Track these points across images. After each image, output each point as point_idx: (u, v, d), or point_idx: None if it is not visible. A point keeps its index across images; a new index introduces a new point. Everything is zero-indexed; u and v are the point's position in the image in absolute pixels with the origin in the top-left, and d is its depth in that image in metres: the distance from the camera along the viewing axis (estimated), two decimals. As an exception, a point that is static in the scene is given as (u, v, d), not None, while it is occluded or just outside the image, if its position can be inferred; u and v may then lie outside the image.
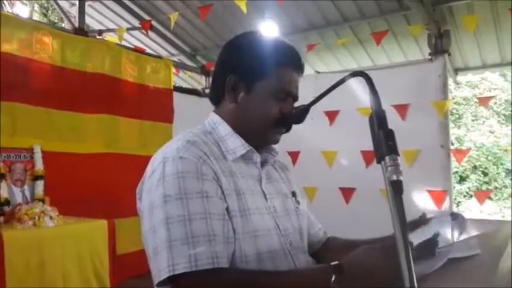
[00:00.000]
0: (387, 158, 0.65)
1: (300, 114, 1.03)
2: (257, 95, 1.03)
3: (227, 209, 0.93)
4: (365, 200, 3.95)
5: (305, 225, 1.14)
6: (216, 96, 1.09)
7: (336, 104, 4.14)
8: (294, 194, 1.16)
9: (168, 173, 0.91)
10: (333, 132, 4.34)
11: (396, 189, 0.62)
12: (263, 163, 1.10)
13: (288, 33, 4.92)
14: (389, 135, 0.70)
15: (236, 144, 1.03)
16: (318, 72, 4.97)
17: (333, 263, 0.82)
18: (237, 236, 0.93)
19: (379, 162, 0.67)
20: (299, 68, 1.07)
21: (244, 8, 3.74)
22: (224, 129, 1.05)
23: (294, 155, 4.39)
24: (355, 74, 0.82)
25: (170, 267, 0.84)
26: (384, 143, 0.68)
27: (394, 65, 5.01)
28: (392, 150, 0.67)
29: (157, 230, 0.88)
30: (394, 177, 0.63)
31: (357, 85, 4.32)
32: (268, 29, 4.66)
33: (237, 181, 0.98)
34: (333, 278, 0.80)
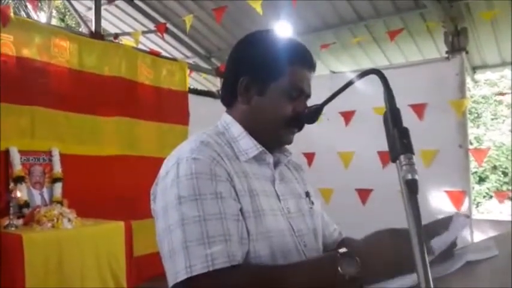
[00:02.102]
0: (402, 157, 0.64)
1: (313, 114, 1.01)
2: (270, 94, 1.02)
3: (241, 210, 0.93)
4: (382, 201, 3.90)
5: (319, 226, 1.13)
6: (228, 97, 1.08)
7: (352, 104, 4.11)
8: (307, 195, 1.15)
9: (182, 174, 0.91)
10: (349, 133, 4.30)
11: (411, 188, 0.61)
12: (276, 163, 1.09)
13: (302, 33, 4.90)
14: (404, 133, 0.68)
15: (249, 145, 1.03)
16: (333, 72, 4.94)
17: (340, 250, 0.82)
18: (251, 237, 0.92)
19: (393, 161, 0.65)
20: (311, 65, 1.06)
21: (259, 9, 3.74)
22: (237, 130, 1.05)
23: (310, 156, 4.37)
24: (368, 72, 0.81)
25: (188, 268, 0.84)
26: (398, 142, 0.66)
27: (410, 64, 4.95)
28: (408, 148, 0.65)
29: (172, 231, 0.88)
30: (409, 177, 0.61)
31: (372, 84, 4.28)
32: (283, 30, 4.64)
33: (250, 182, 0.98)
34: (340, 265, 0.79)
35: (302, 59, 1.04)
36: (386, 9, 4.67)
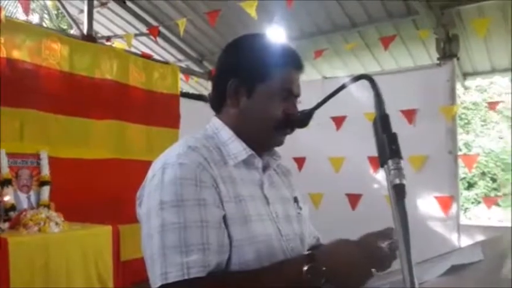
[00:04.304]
0: (390, 162, 0.65)
1: (304, 118, 1.02)
2: (260, 96, 1.02)
3: (225, 216, 0.92)
4: (372, 206, 3.92)
5: (306, 231, 1.13)
6: (218, 101, 1.08)
7: (343, 109, 4.13)
8: (296, 200, 1.15)
9: (167, 179, 0.91)
10: (340, 138, 4.32)
11: (399, 192, 0.61)
12: (265, 168, 1.09)
13: (296, 38, 4.92)
14: (393, 138, 0.69)
15: (238, 149, 1.03)
16: (326, 78, 4.97)
17: (305, 253, 0.86)
18: (236, 242, 0.92)
19: (382, 166, 0.66)
20: (299, 66, 1.07)
21: (253, 13, 3.74)
22: (226, 133, 1.04)
23: (300, 161, 4.37)
24: (359, 77, 0.82)
25: (163, 275, 0.85)
26: (387, 147, 0.67)
27: (402, 70, 4.99)
28: (396, 153, 0.66)
29: (153, 237, 0.88)
30: (397, 181, 0.62)
31: (363, 90, 4.31)
32: (276, 34, 4.66)
33: (237, 187, 0.98)
34: (305, 267, 0.82)
35: (290, 60, 1.05)
36: (379, 15, 4.71)
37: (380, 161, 0.66)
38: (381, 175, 4.14)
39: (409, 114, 4.04)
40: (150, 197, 0.92)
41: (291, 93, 1.04)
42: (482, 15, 4.23)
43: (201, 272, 0.84)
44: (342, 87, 0.87)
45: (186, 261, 0.84)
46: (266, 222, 1.00)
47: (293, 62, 1.06)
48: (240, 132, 1.04)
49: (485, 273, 0.88)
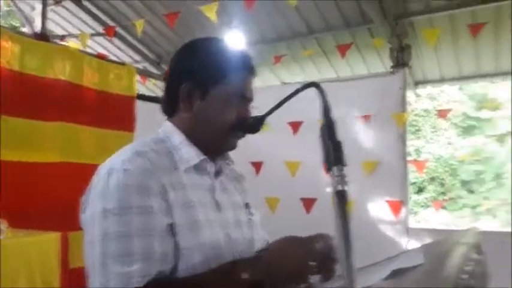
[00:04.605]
0: (334, 169, 0.67)
1: (256, 124, 1.02)
2: (212, 100, 1.02)
3: (172, 224, 0.91)
4: (326, 210, 3.99)
5: (257, 237, 1.13)
6: (170, 105, 1.06)
7: (300, 114, 4.20)
8: (247, 206, 1.16)
9: (111, 185, 0.88)
10: (297, 143, 4.38)
11: (341, 198, 0.64)
12: (218, 173, 1.08)
13: (255, 43, 4.96)
14: (338, 146, 0.71)
15: (190, 154, 1.01)
16: (284, 83, 5.03)
17: (244, 257, 0.88)
18: (185, 250, 0.91)
19: (327, 172, 0.68)
20: (253, 71, 1.07)
21: (213, 17, 3.74)
22: (178, 138, 1.03)
23: (257, 165, 4.40)
24: (308, 85, 0.84)
25: (103, 285, 0.83)
26: (332, 154, 0.69)
27: (356, 77, 5.14)
28: (340, 161, 0.68)
29: (94, 245, 0.86)
30: (340, 187, 0.64)
31: (319, 96, 4.40)
32: (236, 38, 4.68)
33: (187, 193, 0.97)
34: (247, 269, 0.83)
35: (244, 64, 1.06)
36: (336, 23, 4.83)
37: (325, 168, 0.68)
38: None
39: (363, 120, 4.16)
40: (94, 204, 0.90)
41: (244, 98, 1.05)
42: (433, 26, 4.43)
43: (140, 282, 0.83)
44: (292, 95, 0.89)
45: (127, 271, 0.82)
46: (216, 228, 0.99)
47: (247, 66, 1.06)
48: (193, 136, 1.03)
49: (426, 276, 0.92)
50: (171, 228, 0.91)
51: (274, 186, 4.23)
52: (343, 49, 4.42)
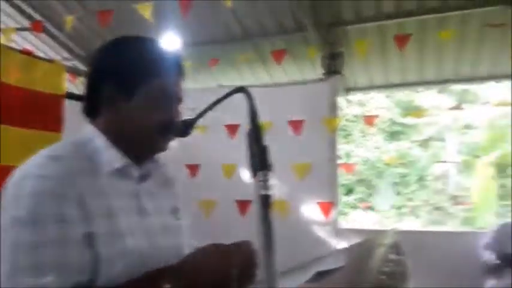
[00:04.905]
0: (259, 173, 0.68)
1: (186, 127, 1.00)
2: (139, 101, 0.97)
3: (91, 233, 0.86)
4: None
5: (185, 243, 1.08)
6: (92, 107, 1.00)
7: (237, 117, 4.23)
8: (176, 210, 1.10)
9: (24, 192, 0.83)
10: (233, 146, 4.41)
11: (265, 203, 0.65)
12: (144, 177, 1.03)
13: (192, 45, 4.92)
14: (263, 151, 0.73)
15: (112, 157, 0.96)
16: (221, 86, 5.04)
17: (164, 266, 0.84)
18: (106, 259, 0.86)
19: (252, 176, 0.70)
20: (181, 70, 1.04)
21: (148, 16, 3.66)
22: (100, 141, 0.97)
23: (194, 168, 4.37)
24: (236, 90, 0.85)
25: None
26: (257, 159, 0.71)
27: (291, 83, 5.28)
28: (265, 165, 0.70)
29: (4, 256, 0.80)
30: (264, 192, 0.66)
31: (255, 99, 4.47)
32: (171, 40, 4.61)
33: (108, 200, 0.91)
34: (167, 279, 0.82)
35: (171, 63, 1.02)
36: (272, 29, 4.92)
37: (251, 172, 0.70)
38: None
39: (296, 125, 4.26)
40: (5, 211, 0.83)
41: (173, 98, 1.01)
42: (364, 36, 4.65)
43: None
44: (220, 99, 0.90)
45: (40, 283, 0.77)
46: (139, 236, 0.93)
47: (176, 66, 1.03)
48: (117, 139, 0.97)
49: (347, 277, 0.96)
50: (89, 238, 0.85)
51: (211, 188, 4.23)
52: (278, 55, 4.51)
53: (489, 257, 3.95)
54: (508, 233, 3.95)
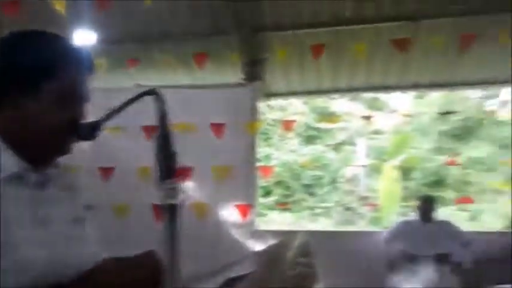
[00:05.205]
0: (165, 181, 0.66)
1: (91, 129, 0.94)
2: (41, 100, 0.90)
3: None
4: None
5: (89, 253, 1.00)
6: None
7: (153, 119, 4.13)
8: (79, 219, 1.03)
9: None
10: (149, 148, 4.30)
11: (171, 212, 0.64)
12: (44, 183, 0.95)
13: (110, 42, 4.69)
14: (172, 158, 0.71)
15: (7, 162, 0.88)
16: (139, 85, 4.87)
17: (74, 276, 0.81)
18: (1, 273, 0.79)
19: (159, 184, 0.67)
20: (89, 68, 0.99)
21: (62, 10, 3.45)
22: None
23: (107, 171, 4.17)
24: (148, 92, 0.82)
25: None
26: (164, 166, 0.68)
27: (213, 86, 5.25)
28: (172, 173, 0.68)
29: None
30: (170, 201, 0.64)
31: (170, 101, 4.40)
32: (86, 36, 4.37)
33: (2, 208, 0.84)
34: None
35: (77, 60, 0.96)
36: (195, 30, 4.85)
37: (157, 180, 0.67)
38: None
39: (218, 128, 4.26)
40: None
41: (77, 98, 0.95)
42: (284, 44, 4.76)
43: None
44: (130, 101, 0.86)
45: None
46: (37, 246, 0.87)
47: (82, 64, 0.97)
48: (16, 140, 0.90)
49: (256, 283, 0.97)
50: None
51: (125, 192, 4.07)
52: (199, 58, 4.48)
53: (389, 253, 4.24)
54: (403, 231, 4.27)
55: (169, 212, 0.62)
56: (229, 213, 4.25)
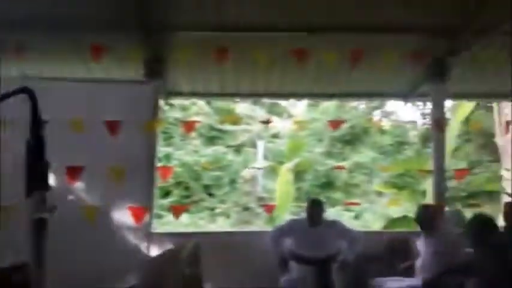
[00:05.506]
0: (34, 193, 0.62)
1: None
2: None
3: None
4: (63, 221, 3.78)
5: None
6: None
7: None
8: None
9: None
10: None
11: (40, 227, 0.60)
12: None
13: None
14: (43, 168, 0.66)
15: None
16: (25, 77, 4.46)
17: None
18: None
19: (27, 196, 0.63)
20: None
21: None
22: None
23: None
24: (21, 90, 0.76)
25: None
26: (33, 177, 0.64)
27: (111, 81, 5.00)
28: (42, 185, 0.64)
29: None
30: (39, 215, 0.60)
31: (63, 94, 4.12)
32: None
33: None
34: None
35: None
36: (95, 24, 4.49)
37: (26, 191, 0.63)
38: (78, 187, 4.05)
39: (113, 126, 4.06)
40: None
41: None
42: (189, 44, 4.66)
43: None
44: (3, 97, 0.78)
45: None
46: None
47: None
48: None
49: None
50: None
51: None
52: (96, 51, 4.24)
53: (277, 250, 4.28)
54: (291, 229, 4.33)
55: (37, 226, 0.58)
56: (124, 217, 4.09)
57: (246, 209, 10.38)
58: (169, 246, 4.32)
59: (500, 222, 4.38)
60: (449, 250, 3.85)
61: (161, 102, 5.83)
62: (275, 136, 12.10)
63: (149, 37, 4.60)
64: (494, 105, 9.59)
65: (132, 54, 4.65)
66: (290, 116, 12.21)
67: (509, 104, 8.56)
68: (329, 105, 11.62)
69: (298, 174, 10.01)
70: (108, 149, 4.10)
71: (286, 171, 8.76)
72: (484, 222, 3.36)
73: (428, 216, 4.13)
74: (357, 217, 10.07)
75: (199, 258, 1.07)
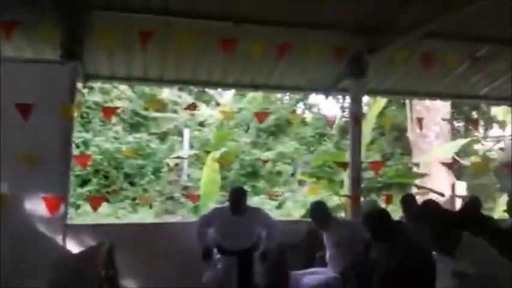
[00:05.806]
0: None
1: None
2: None
3: None
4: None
5: None
6: None
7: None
8: None
9: None
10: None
11: None
12: None
13: None
14: None
15: None
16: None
17: None
18: None
19: None
20: None
21: None
22: None
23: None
24: None
25: None
26: None
27: (22, 60, 4.61)
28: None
29: None
30: None
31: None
32: None
33: None
34: None
35: None
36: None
37: None
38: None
39: (25, 109, 3.77)
40: None
41: None
42: (110, 25, 4.39)
43: None
44: None
45: None
46: None
47: None
48: None
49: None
50: None
51: None
52: (7, 27, 3.88)
53: (200, 239, 4.24)
54: (215, 218, 4.30)
55: None
56: (37, 207, 3.83)
57: (170, 198, 10.22)
58: (86, 238, 4.13)
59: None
60: (350, 241, 4.01)
61: (79, 85, 5.50)
62: (201, 124, 12.01)
63: (68, 15, 4.29)
64: (407, 102, 10.36)
65: (48, 33, 4.30)
66: (217, 104, 12.19)
67: (420, 101, 9.32)
68: (255, 96, 11.78)
69: (224, 163, 10.05)
70: (19, 134, 3.81)
71: (212, 160, 8.75)
72: (377, 216, 3.50)
73: (320, 212, 4.25)
74: (279, 206, 10.36)
75: (114, 259, 1.03)
